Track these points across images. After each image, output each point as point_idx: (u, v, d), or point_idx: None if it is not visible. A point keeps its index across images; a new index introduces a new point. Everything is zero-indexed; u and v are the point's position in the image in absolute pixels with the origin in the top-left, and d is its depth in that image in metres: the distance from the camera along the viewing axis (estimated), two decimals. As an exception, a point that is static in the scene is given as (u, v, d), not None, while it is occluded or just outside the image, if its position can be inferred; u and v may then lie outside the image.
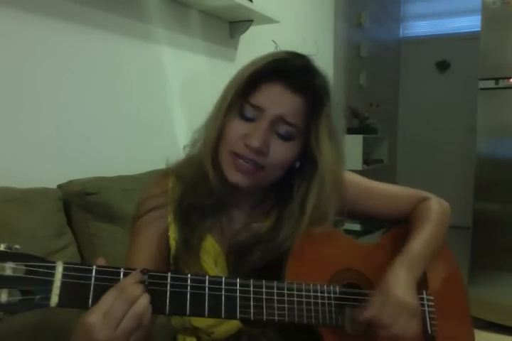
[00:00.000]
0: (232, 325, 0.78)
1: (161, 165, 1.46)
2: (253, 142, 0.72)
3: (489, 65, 2.35)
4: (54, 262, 0.53)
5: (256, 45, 2.12)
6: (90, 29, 1.37)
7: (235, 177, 0.75)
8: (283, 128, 0.75)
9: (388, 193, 0.96)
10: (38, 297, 0.51)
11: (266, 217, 0.84)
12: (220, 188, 0.79)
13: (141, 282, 0.57)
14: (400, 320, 0.73)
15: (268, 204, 0.85)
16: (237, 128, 0.75)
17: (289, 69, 0.75)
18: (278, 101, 0.74)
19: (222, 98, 0.79)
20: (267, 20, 1.99)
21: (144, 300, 0.55)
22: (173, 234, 0.81)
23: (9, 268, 0.50)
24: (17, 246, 0.52)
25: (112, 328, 0.53)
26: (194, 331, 0.82)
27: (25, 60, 1.19)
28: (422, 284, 0.89)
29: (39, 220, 1.02)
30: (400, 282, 0.77)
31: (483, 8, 2.34)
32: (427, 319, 0.87)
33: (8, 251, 0.51)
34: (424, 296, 0.88)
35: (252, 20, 1.96)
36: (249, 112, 0.75)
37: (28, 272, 0.51)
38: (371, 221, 1.01)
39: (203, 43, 1.84)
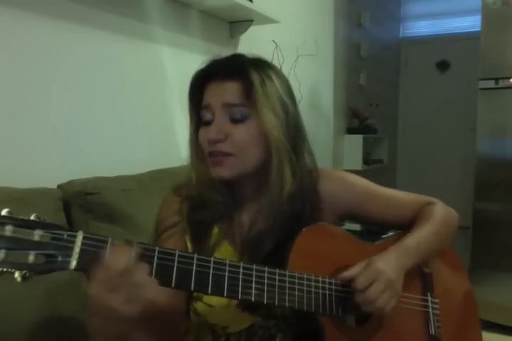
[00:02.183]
0: (247, 320, 0.81)
1: (160, 165, 1.47)
2: (209, 136, 0.80)
3: (489, 65, 2.35)
4: (76, 231, 0.60)
5: (256, 45, 2.12)
6: (90, 29, 1.37)
7: (215, 172, 0.82)
8: (234, 111, 0.81)
9: (393, 198, 0.95)
10: (59, 260, 0.58)
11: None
12: (215, 195, 0.84)
13: (129, 254, 0.59)
14: (373, 288, 0.74)
15: None
16: (202, 134, 0.84)
17: (217, 66, 0.85)
18: (218, 92, 0.82)
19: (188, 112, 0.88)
20: (267, 20, 1.99)
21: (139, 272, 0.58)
22: (188, 238, 0.85)
23: (37, 235, 0.57)
24: (45, 218, 0.59)
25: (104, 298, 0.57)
26: (209, 326, 0.84)
27: (24, 60, 1.19)
28: (427, 287, 0.90)
29: (39, 220, 1.01)
30: (386, 260, 0.79)
31: (483, 8, 2.34)
32: (431, 320, 0.87)
33: (37, 220, 0.58)
34: (429, 298, 0.89)
35: (252, 20, 1.96)
36: (205, 116, 0.83)
37: (53, 239, 0.58)
38: (376, 226, 1.02)
39: (202, 43, 1.84)
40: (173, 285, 0.64)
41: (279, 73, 0.87)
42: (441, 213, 0.93)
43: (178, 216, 0.86)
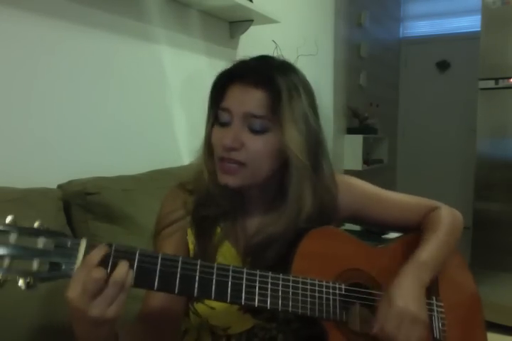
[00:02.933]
0: (248, 322, 0.81)
1: (160, 165, 1.48)
2: (224, 142, 0.77)
3: (489, 65, 2.35)
4: (79, 239, 0.60)
5: (256, 45, 2.12)
6: (90, 29, 1.37)
7: (223, 179, 0.80)
8: (255, 122, 0.78)
9: (398, 202, 0.95)
10: (63, 268, 0.58)
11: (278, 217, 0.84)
12: (222, 195, 0.83)
13: (107, 254, 0.60)
14: (402, 330, 0.74)
15: (278, 205, 0.85)
16: (216, 135, 0.81)
17: (244, 68, 0.81)
18: (241, 99, 0.78)
19: (207, 109, 0.85)
20: (267, 20, 1.99)
21: (102, 275, 0.58)
22: (190, 238, 0.85)
23: (41, 242, 0.58)
24: (49, 226, 0.60)
25: (88, 302, 0.57)
26: (210, 328, 0.84)
27: (24, 60, 1.19)
28: (432, 290, 0.89)
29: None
30: (403, 292, 0.78)
31: (483, 8, 2.35)
32: (435, 324, 0.87)
33: (41, 228, 0.59)
34: (434, 302, 0.88)
35: (252, 20, 1.96)
36: (223, 117, 0.80)
37: (57, 246, 0.59)
38: (379, 229, 1.01)
39: (202, 43, 1.84)
40: (176, 291, 0.63)
41: (304, 82, 0.83)
42: (449, 219, 0.93)
43: (182, 211, 0.85)
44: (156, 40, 1.62)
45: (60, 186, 1.18)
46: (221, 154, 0.79)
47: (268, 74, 0.78)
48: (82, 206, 1.16)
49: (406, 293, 0.77)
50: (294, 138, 0.77)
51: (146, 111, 1.60)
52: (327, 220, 0.85)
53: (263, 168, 0.80)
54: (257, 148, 0.78)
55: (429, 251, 0.85)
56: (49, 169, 1.24)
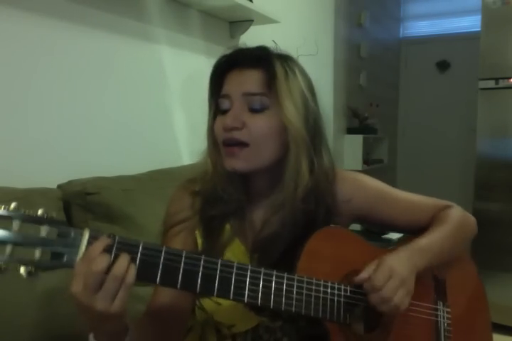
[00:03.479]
0: (253, 319, 0.80)
1: (160, 165, 1.48)
2: (225, 122, 0.78)
3: (489, 65, 2.35)
4: (82, 230, 0.60)
5: (256, 45, 2.11)
6: (90, 29, 1.37)
7: (228, 164, 0.80)
8: (254, 101, 0.79)
9: (410, 202, 0.92)
10: (65, 258, 0.58)
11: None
12: (228, 186, 0.83)
13: (109, 246, 0.59)
14: (389, 284, 0.72)
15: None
16: (218, 122, 0.81)
17: (239, 54, 0.83)
18: (239, 81, 0.80)
19: (207, 100, 0.86)
20: (267, 20, 1.99)
21: (103, 265, 0.57)
22: (199, 233, 0.84)
23: (44, 231, 0.58)
24: (54, 213, 0.59)
25: (91, 296, 0.57)
26: (215, 325, 0.83)
27: (24, 60, 1.19)
28: (440, 295, 0.88)
29: (39, 220, 1.01)
30: (397, 258, 0.76)
31: (483, 8, 2.35)
32: (441, 330, 0.85)
33: (45, 216, 0.58)
34: (441, 307, 0.87)
35: (252, 20, 1.96)
36: (223, 104, 0.81)
37: (60, 235, 0.58)
38: (389, 229, 0.99)
39: (202, 43, 1.84)
40: (178, 286, 0.63)
41: (302, 70, 0.85)
42: (458, 217, 0.90)
43: (189, 211, 0.84)
44: (156, 40, 1.62)
45: (60, 186, 1.19)
46: (223, 136, 0.79)
47: (264, 57, 0.81)
48: (82, 206, 1.16)
49: (398, 261, 0.76)
50: (291, 112, 0.78)
51: (146, 111, 1.60)
52: (325, 211, 0.83)
53: (266, 148, 0.80)
54: (258, 126, 0.78)
55: (428, 239, 0.84)
56: (49, 169, 1.24)
